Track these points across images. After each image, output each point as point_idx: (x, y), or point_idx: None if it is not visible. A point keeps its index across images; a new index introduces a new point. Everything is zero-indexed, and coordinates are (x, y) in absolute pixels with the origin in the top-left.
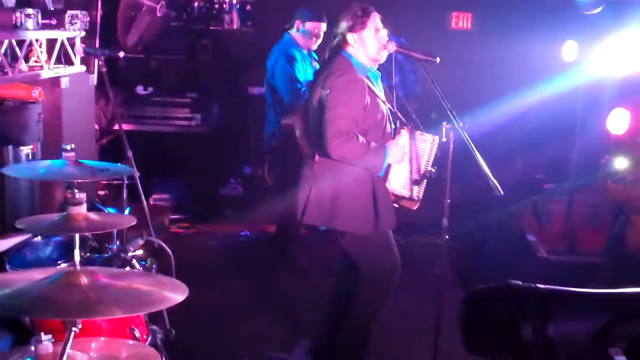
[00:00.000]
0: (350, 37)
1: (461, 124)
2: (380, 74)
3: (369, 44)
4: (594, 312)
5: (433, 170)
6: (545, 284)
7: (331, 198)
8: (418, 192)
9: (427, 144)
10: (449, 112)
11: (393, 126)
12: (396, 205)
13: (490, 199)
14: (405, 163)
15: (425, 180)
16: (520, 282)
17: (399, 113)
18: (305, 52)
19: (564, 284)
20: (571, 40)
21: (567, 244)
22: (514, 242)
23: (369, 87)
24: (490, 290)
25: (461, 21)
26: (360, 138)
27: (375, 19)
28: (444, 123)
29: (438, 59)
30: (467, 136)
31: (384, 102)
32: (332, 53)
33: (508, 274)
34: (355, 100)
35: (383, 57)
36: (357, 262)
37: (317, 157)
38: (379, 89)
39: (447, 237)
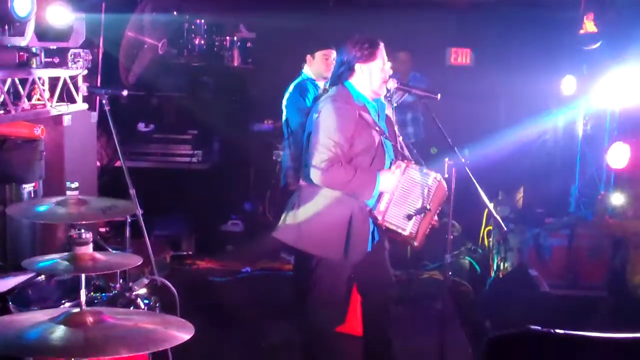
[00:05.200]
0: (358, 67)
1: (463, 160)
2: (386, 105)
3: (374, 76)
4: (611, 358)
5: (428, 207)
6: (547, 318)
7: (307, 220)
8: (412, 227)
9: (429, 180)
10: (451, 147)
11: (392, 158)
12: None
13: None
14: (403, 196)
15: (419, 216)
16: (539, 328)
17: (405, 150)
18: (320, 86)
19: (566, 318)
20: (570, 75)
21: (569, 278)
22: (516, 277)
23: (360, 115)
24: (510, 335)
25: (460, 57)
26: (345, 165)
27: (383, 52)
28: (446, 159)
29: (439, 95)
30: (469, 172)
31: (379, 132)
32: (334, 82)
33: (510, 309)
34: (340, 126)
35: (384, 91)
36: (308, 287)
37: (301, 182)
38: (378, 120)
39: (450, 273)
